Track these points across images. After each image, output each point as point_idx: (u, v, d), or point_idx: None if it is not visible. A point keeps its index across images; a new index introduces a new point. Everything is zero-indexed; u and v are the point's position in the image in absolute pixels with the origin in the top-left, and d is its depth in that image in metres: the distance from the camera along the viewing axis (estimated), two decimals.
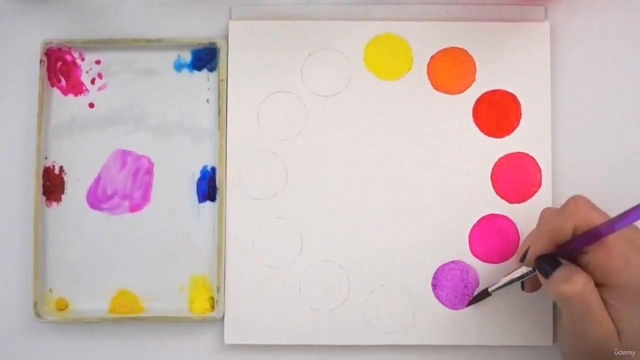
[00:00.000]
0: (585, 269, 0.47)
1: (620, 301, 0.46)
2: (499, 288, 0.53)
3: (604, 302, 0.47)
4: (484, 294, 0.54)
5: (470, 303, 0.55)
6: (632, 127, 0.56)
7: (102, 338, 0.56)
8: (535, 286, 0.53)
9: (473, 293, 0.55)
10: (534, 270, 0.50)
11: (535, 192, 0.55)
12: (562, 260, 0.48)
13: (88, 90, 0.57)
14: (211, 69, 0.57)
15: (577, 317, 0.47)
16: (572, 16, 0.57)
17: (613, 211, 0.55)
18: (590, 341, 0.47)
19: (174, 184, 0.56)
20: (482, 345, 0.55)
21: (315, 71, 0.56)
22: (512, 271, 0.52)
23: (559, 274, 0.47)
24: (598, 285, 0.47)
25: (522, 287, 0.53)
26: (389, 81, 0.56)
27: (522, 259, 0.50)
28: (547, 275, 0.48)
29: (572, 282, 0.46)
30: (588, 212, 0.47)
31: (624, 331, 0.46)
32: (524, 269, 0.51)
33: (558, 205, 0.55)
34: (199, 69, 0.57)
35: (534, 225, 0.55)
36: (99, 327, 0.56)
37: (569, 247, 0.48)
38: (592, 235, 0.46)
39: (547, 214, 0.51)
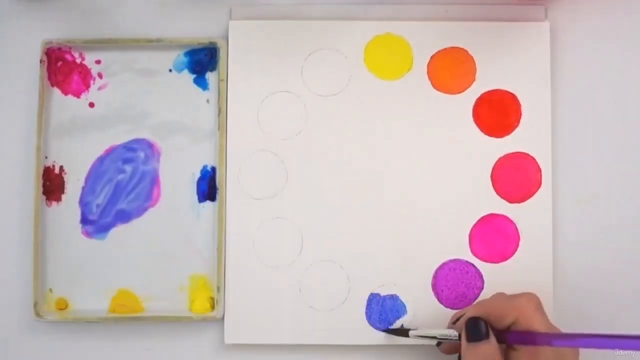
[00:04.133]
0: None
1: None
2: (417, 336, 0.53)
3: None
4: (403, 332, 0.54)
5: (387, 331, 0.55)
6: (632, 127, 0.56)
7: (102, 338, 0.56)
8: (451, 351, 0.53)
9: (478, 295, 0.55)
10: (459, 337, 0.50)
11: (535, 192, 0.55)
12: (492, 337, 0.48)
13: (88, 90, 0.57)
14: (211, 69, 0.57)
15: None
16: (572, 16, 0.57)
17: (612, 213, 0.55)
18: None
19: (174, 184, 0.56)
20: None
21: (315, 71, 0.56)
22: (442, 328, 0.52)
23: (481, 348, 0.48)
24: None
25: (437, 345, 0.53)
26: (389, 81, 0.56)
27: (455, 322, 0.51)
28: (470, 340, 0.48)
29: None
30: (534, 314, 0.48)
31: None
32: (451, 333, 0.51)
33: (557, 206, 0.56)
34: (199, 68, 0.57)
35: (534, 225, 0.55)
36: (99, 327, 0.56)
37: (502, 336, 0.48)
38: (527, 338, 0.47)
39: (498, 294, 0.52)
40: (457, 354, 0.51)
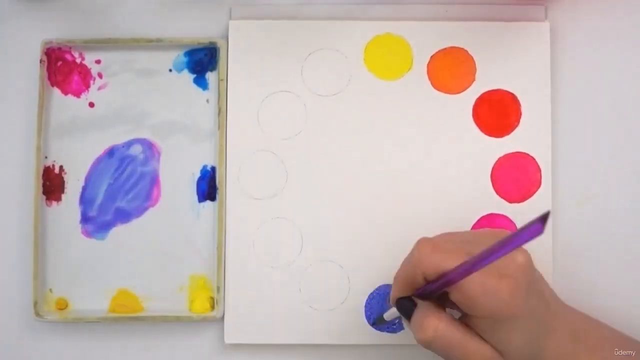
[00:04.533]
0: (453, 304, 0.46)
1: (490, 328, 0.45)
2: (393, 317, 0.52)
3: (480, 329, 0.45)
4: (380, 321, 0.54)
5: (373, 323, 0.55)
6: (632, 127, 0.56)
7: (102, 338, 0.56)
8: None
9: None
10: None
11: (535, 192, 0.55)
12: (417, 303, 0.47)
13: (88, 90, 0.57)
14: (211, 69, 0.57)
15: (445, 355, 0.46)
16: (572, 16, 0.57)
17: (612, 213, 0.55)
18: None
19: (174, 184, 0.56)
20: None
21: (315, 71, 0.56)
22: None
23: (413, 320, 0.47)
24: (468, 316, 0.46)
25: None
26: (389, 81, 0.56)
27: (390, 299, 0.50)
28: (407, 318, 0.47)
29: (423, 330, 0.45)
30: (432, 258, 0.45)
31: (506, 352, 0.46)
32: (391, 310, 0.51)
33: (557, 206, 0.56)
34: (199, 68, 0.57)
35: None
36: (99, 327, 0.56)
37: (426, 292, 0.46)
38: (444, 282, 0.44)
39: (404, 260, 0.49)
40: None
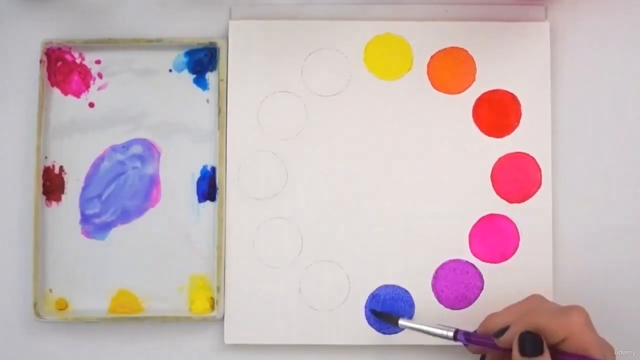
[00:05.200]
0: None
1: None
2: (409, 327, 0.52)
3: None
4: (392, 320, 0.53)
5: (374, 313, 0.55)
6: (632, 127, 0.56)
7: (102, 338, 0.56)
8: (480, 352, 0.51)
9: (476, 294, 0.55)
10: (455, 338, 0.50)
11: (535, 192, 0.55)
12: (546, 352, 0.46)
13: (88, 90, 0.57)
14: (211, 69, 0.57)
15: None
16: (572, 16, 0.57)
17: (612, 213, 0.55)
18: None
19: (174, 184, 0.56)
20: None
21: (315, 71, 0.56)
22: (437, 327, 0.51)
23: None
24: None
25: (482, 359, 0.51)
26: (389, 81, 0.56)
27: (498, 335, 0.48)
28: (525, 355, 0.46)
29: None
30: (586, 333, 0.46)
31: None
32: (444, 332, 0.50)
33: (557, 206, 0.55)
34: (199, 68, 0.57)
35: (534, 225, 0.55)
36: (99, 327, 0.56)
37: (551, 351, 0.46)
38: None
39: (541, 304, 0.49)
40: (481, 355, 0.51)
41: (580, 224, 0.56)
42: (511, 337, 0.47)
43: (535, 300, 0.50)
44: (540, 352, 0.46)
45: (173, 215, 0.56)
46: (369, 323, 0.55)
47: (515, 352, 0.47)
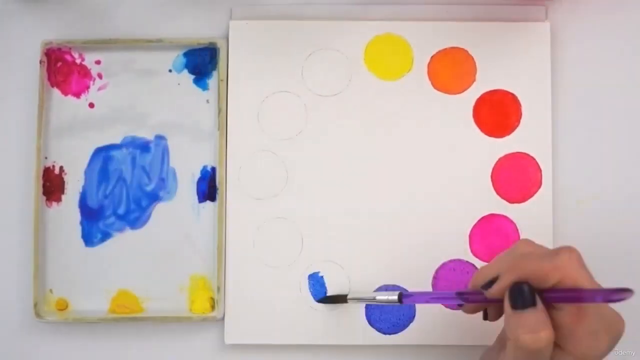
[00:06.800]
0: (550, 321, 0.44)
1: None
2: (356, 300, 0.52)
3: None
4: (341, 299, 0.54)
5: (322, 300, 0.55)
6: (632, 127, 0.56)
7: (102, 338, 0.56)
8: (475, 311, 0.49)
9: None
10: (399, 300, 0.49)
11: (535, 192, 0.55)
12: (539, 303, 0.44)
13: (88, 91, 0.57)
14: (211, 69, 0.57)
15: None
16: (572, 16, 0.57)
17: (612, 213, 0.55)
18: None
19: (174, 184, 0.56)
20: (482, 345, 0.55)
21: (315, 71, 0.56)
22: (380, 293, 0.51)
23: (528, 317, 0.44)
24: (555, 345, 0.44)
25: (485, 317, 0.49)
26: (389, 81, 0.56)
27: (486, 287, 0.46)
28: (516, 308, 0.44)
29: (537, 337, 0.43)
30: (578, 272, 0.44)
31: None
32: (390, 297, 0.50)
33: (557, 206, 0.55)
34: (199, 69, 0.57)
35: (534, 225, 0.55)
36: (99, 327, 0.56)
37: (542, 294, 0.44)
38: (573, 297, 0.43)
39: (529, 249, 0.47)
40: (483, 311, 0.49)
41: (580, 224, 0.56)
42: (500, 288, 0.45)
43: (523, 245, 0.47)
44: (532, 304, 0.44)
45: (173, 215, 0.56)
46: (369, 323, 0.55)
47: (507, 307, 0.44)
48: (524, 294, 0.44)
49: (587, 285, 0.44)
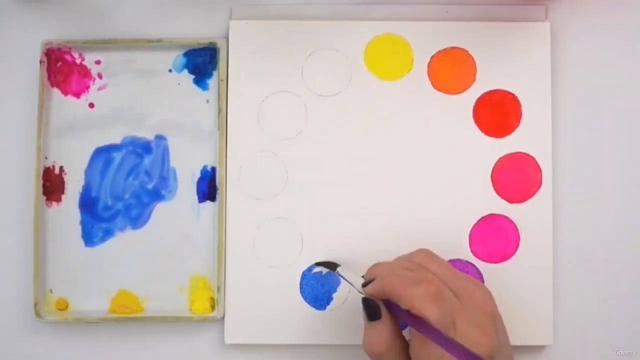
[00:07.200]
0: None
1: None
2: (342, 276, 0.53)
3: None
4: (332, 266, 0.54)
5: (317, 264, 0.55)
6: (632, 127, 0.56)
7: (102, 338, 0.56)
8: None
9: None
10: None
11: (535, 192, 0.55)
12: (384, 315, 0.47)
13: (88, 91, 0.57)
14: (211, 69, 0.57)
15: None
16: (572, 16, 0.57)
17: (612, 213, 0.55)
18: None
19: (174, 184, 0.56)
20: None
21: (315, 71, 0.56)
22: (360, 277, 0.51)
23: (372, 328, 0.47)
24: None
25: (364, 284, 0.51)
26: (389, 81, 0.56)
27: (364, 285, 0.48)
28: (366, 317, 0.48)
29: (372, 349, 0.46)
30: (425, 307, 0.44)
31: None
32: (360, 284, 0.50)
33: (557, 206, 0.55)
34: (199, 69, 0.57)
35: (534, 225, 0.55)
36: (99, 327, 0.56)
37: (399, 311, 0.46)
38: (417, 326, 0.45)
39: (402, 268, 0.48)
40: None
41: (580, 224, 0.56)
42: (369, 291, 0.48)
43: (417, 256, 0.50)
44: (376, 317, 0.47)
45: (173, 215, 0.56)
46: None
47: (364, 314, 0.48)
48: (371, 308, 0.47)
49: (431, 322, 0.44)
